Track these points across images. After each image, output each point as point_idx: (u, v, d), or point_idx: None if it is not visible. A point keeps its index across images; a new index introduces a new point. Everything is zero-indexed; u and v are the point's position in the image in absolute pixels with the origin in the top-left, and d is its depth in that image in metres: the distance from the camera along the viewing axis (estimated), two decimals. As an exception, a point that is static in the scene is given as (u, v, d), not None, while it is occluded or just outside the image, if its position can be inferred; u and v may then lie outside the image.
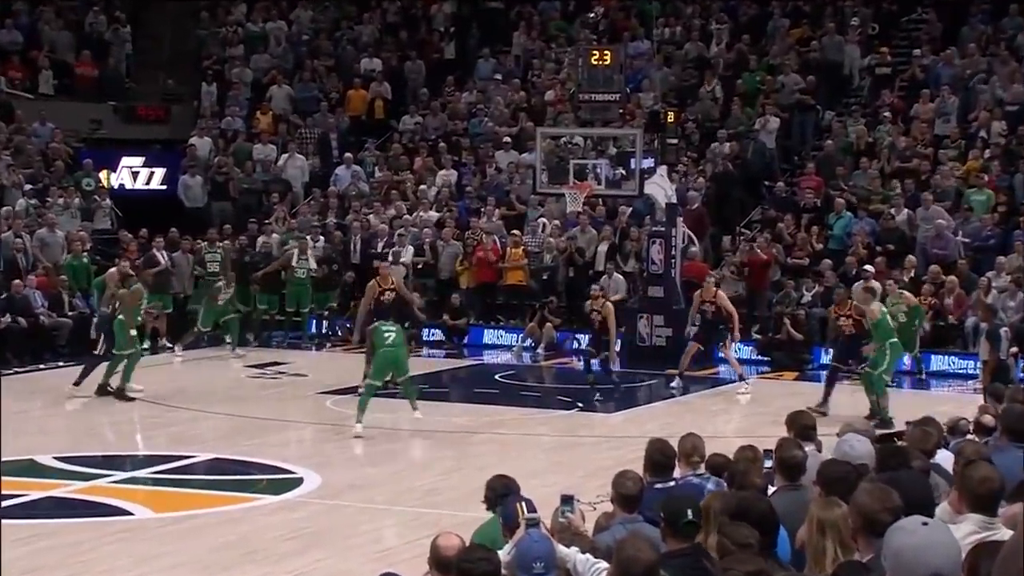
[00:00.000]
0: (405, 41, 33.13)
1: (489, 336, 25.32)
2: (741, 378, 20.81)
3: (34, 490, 14.09)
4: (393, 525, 13.13)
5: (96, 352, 19.67)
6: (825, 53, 29.15)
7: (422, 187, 28.06)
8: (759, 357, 23.19)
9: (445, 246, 25.90)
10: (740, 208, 26.76)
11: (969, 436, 9.67)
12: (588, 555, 6.35)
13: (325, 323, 25.62)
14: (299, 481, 14.67)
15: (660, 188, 23.10)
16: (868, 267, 21.72)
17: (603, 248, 25.07)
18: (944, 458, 8.25)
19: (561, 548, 6.34)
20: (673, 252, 22.96)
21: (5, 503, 12.49)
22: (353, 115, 31.27)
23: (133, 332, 19.26)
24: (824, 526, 5.84)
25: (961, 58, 28.10)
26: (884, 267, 22.61)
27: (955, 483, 6.28)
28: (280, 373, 22.25)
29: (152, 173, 30.22)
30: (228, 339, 23.82)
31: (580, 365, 21.06)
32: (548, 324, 24.18)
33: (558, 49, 31.47)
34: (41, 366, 22.06)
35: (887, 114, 27.36)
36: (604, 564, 6.16)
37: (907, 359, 21.20)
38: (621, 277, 24.25)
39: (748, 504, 6.39)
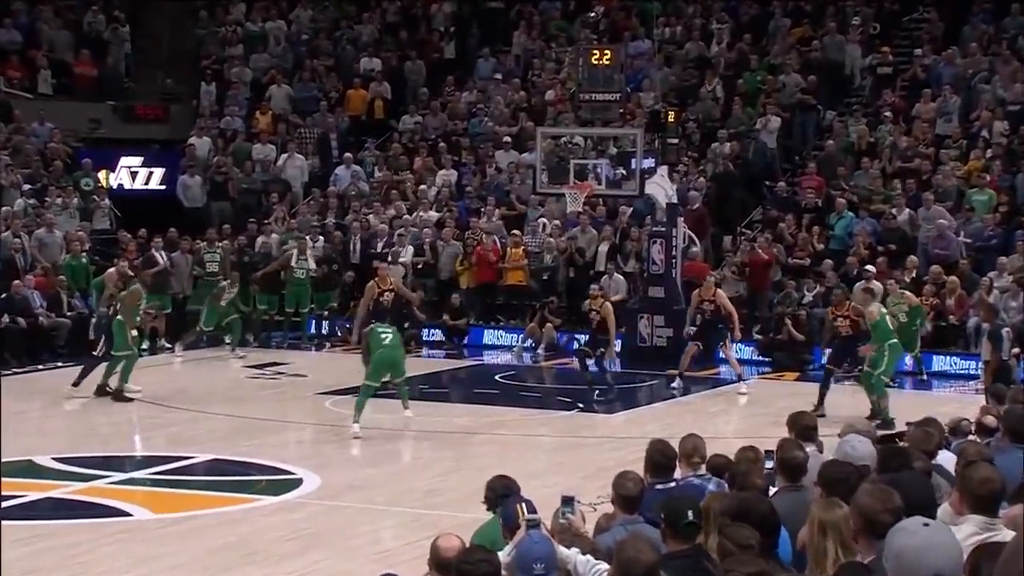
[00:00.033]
0: (405, 41, 33.11)
1: (489, 336, 25.29)
2: (740, 378, 20.79)
3: (33, 491, 14.05)
4: (393, 526, 13.09)
5: (96, 353, 19.64)
6: (826, 53, 29.13)
7: (422, 187, 28.04)
8: (760, 357, 23.17)
9: (445, 246, 25.88)
10: (741, 208, 26.74)
11: (971, 437, 9.65)
12: (589, 556, 6.34)
13: (325, 323, 25.60)
14: (298, 482, 14.65)
15: (661, 188, 23.08)
16: (869, 267, 21.71)
17: (603, 248, 25.04)
18: (946, 459, 8.23)
19: (562, 549, 6.33)
20: (674, 252, 22.95)
21: (4, 504, 12.45)
22: (353, 115, 31.26)
23: (134, 333, 19.25)
24: (825, 527, 5.83)
25: (963, 58, 28.08)
26: (885, 267, 22.61)
27: (956, 484, 6.27)
28: (279, 374, 22.23)
29: (151, 173, 30.21)
30: (228, 339, 23.80)
31: (576, 365, 21.03)
32: (548, 324, 24.15)
33: (558, 49, 31.45)
34: (40, 367, 22.04)
35: (888, 114, 27.34)
36: (605, 565, 6.14)
37: (908, 359, 21.19)
38: (621, 277, 24.23)
39: (749, 505, 6.36)
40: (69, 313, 23.24)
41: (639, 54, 29.73)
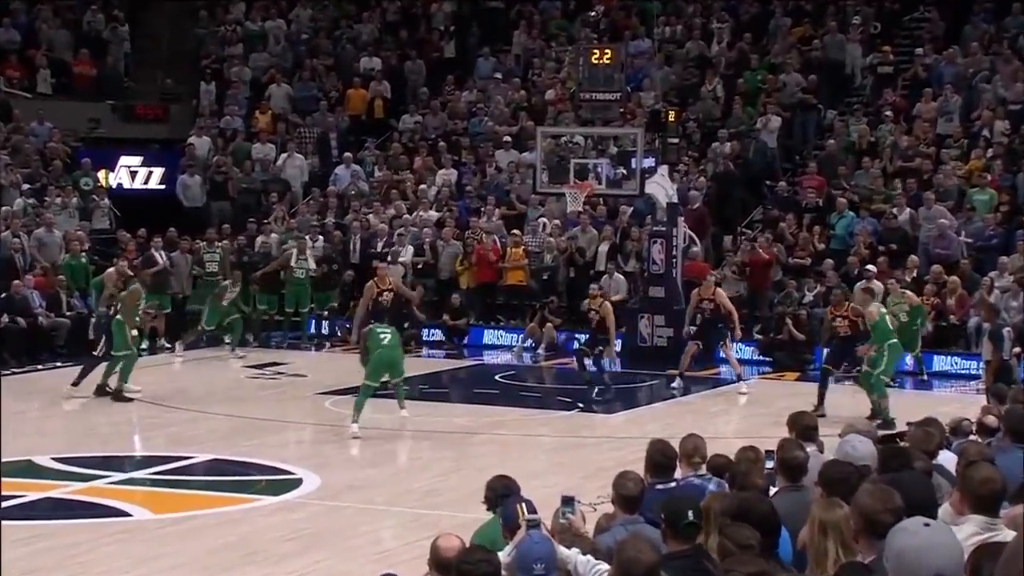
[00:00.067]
0: (405, 40, 33.10)
1: (489, 336, 25.27)
2: (739, 378, 20.78)
3: (32, 491, 14.04)
4: (392, 526, 13.08)
5: (95, 353, 19.62)
6: (827, 52, 29.12)
7: (422, 187, 28.02)
8: (761, 357, 23.15)
9: (445, 246, 25.86)
10: (741, 208, 26.72)
11: (972, 437, 9.63)
12: (589, 556, 6.33)
13: (324, 323, 25.58)
14: (298, 482, 14.63)
15: (661, 188, 23.05)
16: (870, 267, 21.71)
17: (604, 248, 25.02)
18: (947, 459, 8.22)
19: (562, 549, 6.32)
20: (674, 252, 22.93)
21: (4, 504, 12.44)
22: (353, 114, 31.24)
23: (134, 332, 19.23)
24: (826, 527, 5.82)
25: (963, 57, 28.07)
26: (886, 267, 22.59)
27: (957, 484, 6.26)
28: (279, 373, 22.21)
29: (150, 172, 30.21)
30: (228, 339, 23.78)
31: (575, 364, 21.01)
32: (548, 324, 24.13)
33: (558, 48, 31.44)
34: (39, 366, 22.02)
35: (889, 113, 27.33)
36: (605, 565, 6.14)
37: (909, 359, 21.18)
38: (622, 277, 24.22)
39: (749, 505, 6.35)
40: (68, 313, 23.23)
41: (639, 53, 29.73)
